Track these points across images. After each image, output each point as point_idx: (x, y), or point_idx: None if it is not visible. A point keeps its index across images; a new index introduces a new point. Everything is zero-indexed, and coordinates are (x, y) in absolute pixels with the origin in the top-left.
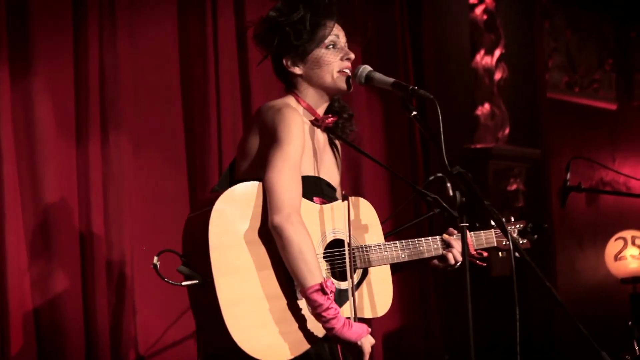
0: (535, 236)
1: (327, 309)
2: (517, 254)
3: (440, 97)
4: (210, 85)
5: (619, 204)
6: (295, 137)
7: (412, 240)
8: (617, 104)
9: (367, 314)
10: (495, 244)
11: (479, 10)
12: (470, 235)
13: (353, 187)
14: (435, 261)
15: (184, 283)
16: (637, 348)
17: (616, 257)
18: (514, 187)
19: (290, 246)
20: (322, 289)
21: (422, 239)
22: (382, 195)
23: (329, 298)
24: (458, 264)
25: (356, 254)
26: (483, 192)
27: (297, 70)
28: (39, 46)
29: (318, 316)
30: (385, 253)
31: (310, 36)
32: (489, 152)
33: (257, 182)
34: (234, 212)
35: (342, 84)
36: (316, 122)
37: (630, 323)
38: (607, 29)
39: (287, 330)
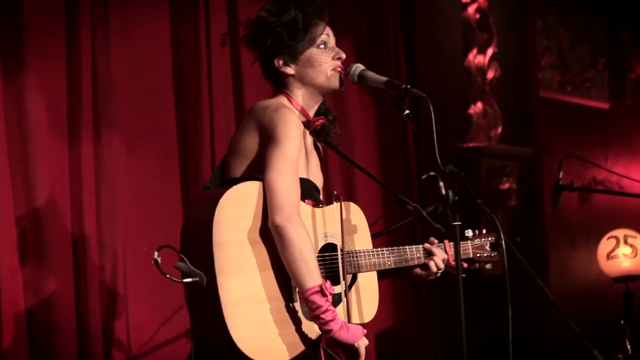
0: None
1: (326, 311)
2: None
3: (433, 96)
4: (202, 85)
5: (612, 202)
6: (294, 138)
7: (398, 247)
8: (610, 103)
9: (355, 320)
10: (471, 255)
11: (471, 9)
12: (450, 246)
13: (345, 188)
14: (418, 269)
15: (185, 280)
16: (629, 347)
17: (608, 256)
18: (507, 186)
19: (291, 246)
20: (321, 291)
21: (407, 247)
22: (374, 197)
23: (327, 300)
24: (440, 272)
25: (346, 259)
26: (475, 191)
27: (290, 70)
28: (31, 45)
29: (316, 318)
30: (374, 259)
31: (304, 36)
32: (482, 151)
33: (258, 182)
34: (237, 211)
35: (336, 83)
36: (307, 125)
37: (622, 322)
38: (599, 28)
39: (283, 332)
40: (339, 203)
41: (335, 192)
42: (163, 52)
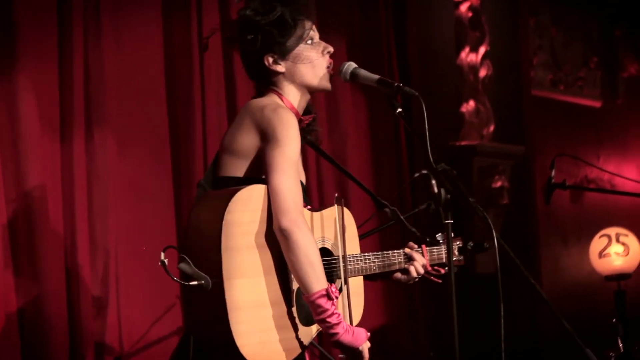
0: (474, 254)
1: (332, 314)
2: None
3: (425, 94)
4: (195, 84)
5: (604, 201)
6: (295, 139)
7: (382, 252)
8: (602, 102)
9: None
10: (444, 260)
11: (464, 8)
12: (427, 252)
13: (339, 188)
14: (398, 274)
15: (191, 283)
16: (621, 345)
17: (600, 254)
18: (499, 184)
19: (297, 250)
20: (327, 295)
21: (390, 251)
22: (368, 198)
23: (333, 304)
24: (419, 277)
25: (337, 263)
26: (468, 190)
27: (280, 68)
28: (23, 45)
29: (322, 321)
30: (361, 264)
31: (294, 32)
32: (474, 149)
33: (263, 185)
34: (245, 215)
35: (326, 83)
36: (299, 123)
37: (614, 320)
38: (592, 27)
39: (283, 337)
40: (340, 206)
41: (337, 194)
42: (155, 51)
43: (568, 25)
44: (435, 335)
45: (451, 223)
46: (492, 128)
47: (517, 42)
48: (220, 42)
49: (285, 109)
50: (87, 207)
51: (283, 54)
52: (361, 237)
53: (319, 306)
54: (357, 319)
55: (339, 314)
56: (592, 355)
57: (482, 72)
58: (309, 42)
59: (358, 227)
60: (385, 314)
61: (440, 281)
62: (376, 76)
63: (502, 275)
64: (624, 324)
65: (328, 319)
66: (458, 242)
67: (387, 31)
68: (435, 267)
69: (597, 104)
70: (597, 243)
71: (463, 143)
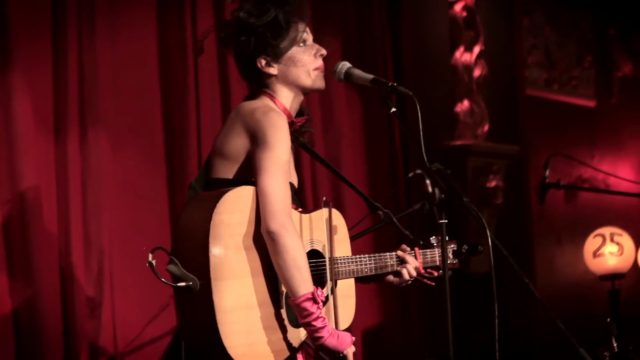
0: (469, 257)
1: (317, 318)
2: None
3: (420, 94)
4: (189, 83)
5: (598, 201)
6: (285, 142)
7: (375, 255)
8: (596, 101)
9: (333, 326)
10: (438, 263)
11: (458, 7)
12: (420, 255)
13: (333, 190)
14: (391, 276)
15: (179, 284)
16: (615, 345)
17: (595, 254)
18: (493, 183)
19: (284, 253)
20: (313, 298)
21: (382, 254)
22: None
23: (319, 307)
24: (411, 280)
25: (329, 266)
26: (462, 189)
27: (273, 70)
28: (17, 44)
29: (307, 325)
30: (352, 267)
31: (287, 35)
32: (468, 148)
33: (252, 187)
34: (233, 216)
35: (320, 83)
36: (291, 125)
37: (608, 320)
38: (586, 26)
39: (272, 338)
40: (327, 209)
41: (325, 198)
42: (149, 51)
43: (562, 25)
44: (429, 335)
45: (445, 223)
46: (486, 128)
47: (512, 41)
48: (214, 42)
49: (275, 111)
50: (82, 206)
51: (276, 56)
52: (352, 238)
53: (305, 309)
54: (349, 321)
55: (324, 318)
56: (586, 355)
57: (477, 72)
58: (302, 44)
59: (350, 229)
60: (380, 314)
61: (433, 284)
62: (370, 76)
63: (496, 275)
64: (618, 324)
65: (313, 323)
66: (452, 245)
67: (382, 31)
68: (429, 270)
69: (591, 104)
70: (591, 243)
71: (457, 143)
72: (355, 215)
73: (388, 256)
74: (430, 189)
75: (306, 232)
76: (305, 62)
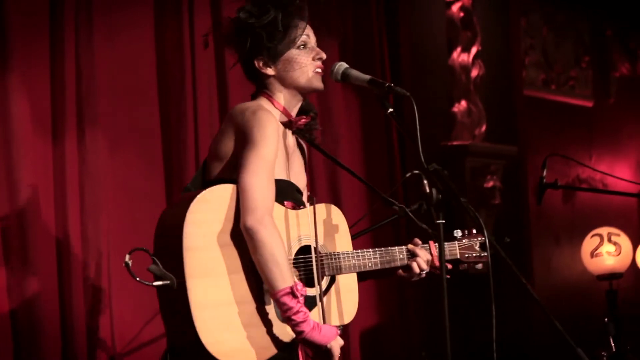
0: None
1: (297, 312)
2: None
3: (417, 95)
4: (186, 84)
5: (595, 201)
6: (270, 139)
7: (380, 249)
8: (594, 101)
9: (335, 322)
10: (458, 256)
11: (455, 8)
12: (435, 247)
13: (330, 188)
14: (401, 271)
15: (155, 283)
16: (613, 345)
17: (592, 254)
18: (491, 184)
19: (262, 248)
20: (292, 292)
21: (390, 248)
22: (359, 197)
23: (299, 302)
24: (423, 273)
25: (325, 261)
26: (460, 189)
27: (270, 71)
28: (15, 43)
29: (288, 319)
30: (354, 261)
31: (284, 37)
32: (466, 149)
33: (231, 185)
34: (208, 214)
35: (318, 83)
36: (289, 124)
37: (606, 320)
38: (583, 26)
39: (255, 334)
40: (312, 206)
41: (308, 194)
42: (147, 52)
43: (559, 25)
44: (427, 334)
45: (443, 223)
46: (484, 128)
47: (509, 42)
48: (212, 42)
49: (264, 110)
50: (79, 207)
51: (272, 57)
52: (357, 235)
53: (284, 304)
54: (351, 315)
55: (306, 312)
56: (583, 355)
57: (474, 72)
58: (302, 47)
59: (351, 227)
60: (377, 313)
61: (448, 277)
62: (367, 76)
63: (494, 276)
64: (616, 324)
65: (293, 317)
66: (481, 238)
67: (379, 31)
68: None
69: (589, 104)
70: (589, 243)
71: (455, 143)
72: (353, 211)
73: (397, 250)
74: (427, 190)
75: (294, 229)
76: (303, 64)
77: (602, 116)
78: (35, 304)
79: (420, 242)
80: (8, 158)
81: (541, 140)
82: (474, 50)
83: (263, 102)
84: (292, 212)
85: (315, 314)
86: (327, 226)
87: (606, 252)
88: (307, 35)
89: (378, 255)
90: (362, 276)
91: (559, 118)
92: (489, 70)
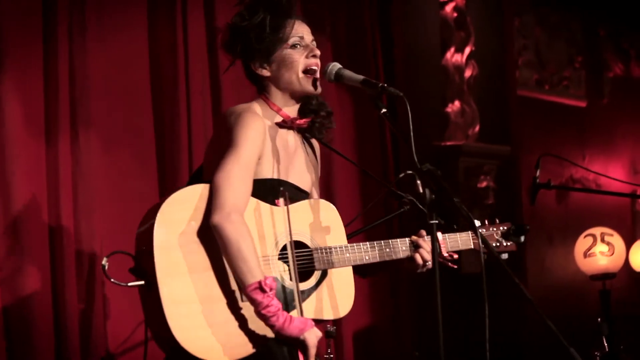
0: (522, 238)
1: (267, 306)
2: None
3: (411, 95)
4: (180, 85)
5: (589, 201)
6: (250, 141)
7: (379, 242)
8: (587, 102)
9: (328, 315)
10: (473, 246)
11: (449, 8)
12: (443, 237)
13: (324, 186)
14: (405, 263)
15: (129, 284)
16: (606, 344)
17: (585, 254)
18: (484, 184)
19: (229, 245)
20: (260, 287)
21: (390, 240)
22: (353, 195)
23: (268, 296)
24: (428, 264)
25: (315, 255)
26: (453, 190)
27: (265, 72)
28: (8, 45)
29: (259, 314)
30: (347, 255)
31: (272, 37)
32: (459, 149)
33: (203, 185)
34: (179, 214)
35: (308, 86)
36: (284, 124)
37: (599, 320)
38: (576, 26)
39: (232, 331)
40: (285, 200)
41: (282, 188)
42: (140, 53)
43: (552, 25)
44: (420, 334)
45: (436, 223)
46: (477, 128)
47: (502, 42)
48: (205, 43)
49: (250, 113)
50: (73, 207)
51: (265, 59)
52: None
53: (254, 299)
54: (346, 309)
55: (276, 306)
56: (576, 355)
57: (468, 73)
58: (296, 46)
59: (346, 226)
60: (370, 314)
61: (455, 267)
62: (360, 77)
63: (487, 276)
64: (609, 324)
65: (263, 311)
66: (503, 227)
67: (373, 32)
68: (449, 252)
69: (582, 104)
70: (582, 243)
71: (448, 143)
72: (348, 210)
73: (399, 242)
74: (421, 190)
75: (280, 224)
76: (294, 61)
77: (595, 116)
78: (28, 303)
79: (425, 233)
80: (1, 159)
81: (534, 140)
82: (467, 50)
83: (257, 103)
84: (277, 209)
85: (309, 309)
86: (319, 221)
87: (599, 252)
88: (300, 36)
89: (376, 248)
90: (369, 271)
91: (553, 118)
92: (483, 70)
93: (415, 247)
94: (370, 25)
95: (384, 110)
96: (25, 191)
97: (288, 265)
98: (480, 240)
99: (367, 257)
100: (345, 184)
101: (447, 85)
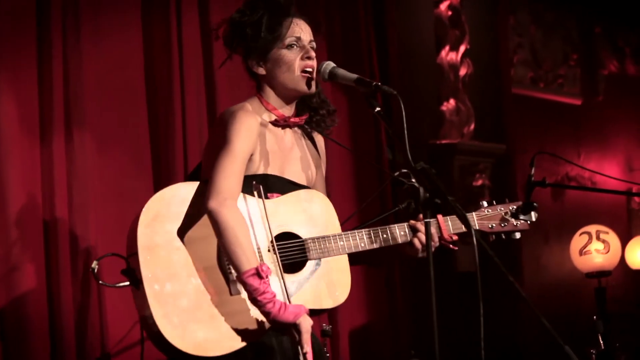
0: (534, 216)
1: (263, 292)
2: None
3: (406, 93)
4: (174, 84)
5: (584, 198)
6: (243, 137)
7: (375, 228)
8: (582, 99)
9: (327, 304)
10: (477, 227)
11: (443, 6)
12: (444, 219)
13: None
14: (406, 248)
15: (117, 285)
16: (601, 342)
17: (581, 252)
18: (480, 182)
19: (225, 230)
20: (257, 273)
21: (387, 226)
22: (348, 191)
23: (264, 282)
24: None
25: (308, 245)
26: (448, 188)
27: (261, 70)
28: (2, 45)
29: (254, 301)
30: (341, 243)
31: (268, 36)
32: (455, 147)
33: (192, 183)
34: (164, 212)
35: (302, 85)
36: (277, 123)
37: (595, 318)
38: (571, 24)
39: (221, 325)
40: (258, 192)
41: (255, 182)
42: (135, 53)
43: (547, 23)
44: (416, 333)
45: (430, 222)
46: (472, 126)
47: (497, 40)
48: (199, 41)
49: (243, 111)
50: (67, 207)
51: (261, 57)
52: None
53: (250, 285)
54: (343, 295)
55: (272, 292)
56: (572, 353)
57: (462, 71)
58: (291, 46)
59: (342, 223)
60: (367, 312)
61: (456, 248)
62: (354, 75)
63: (482, 274)
64: (605, 321)
65: (259, 298)
66: (512, 207)
67: (367, 30)
68: (450, 234)
69: (577, 102)
70: (577, 240)
71: (443, 142)
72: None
73: (397, 227)
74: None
75: (276, 216)
76: (289, 61)
77: (590, 114)
78: (23, 303)
79: (423, 217)
80: None
81: (530, 138)
82: (462, 48)
83: (251, 102)
84: (273, 200)
85: (307, 297)
86: (311, 211)
87: (595, 249)
88: (297, 36)
89: (372, 235)
90: (369, 259)
91: (548, 116)
92: (478, 68)
93: (414, 231)
94: (365, 23)
95: (377, 109)
96: (20, 191)
97: (282, 257)
98: (474, 235)
99: (363, 244)
100: (340, 181)
101: (442, 84)
